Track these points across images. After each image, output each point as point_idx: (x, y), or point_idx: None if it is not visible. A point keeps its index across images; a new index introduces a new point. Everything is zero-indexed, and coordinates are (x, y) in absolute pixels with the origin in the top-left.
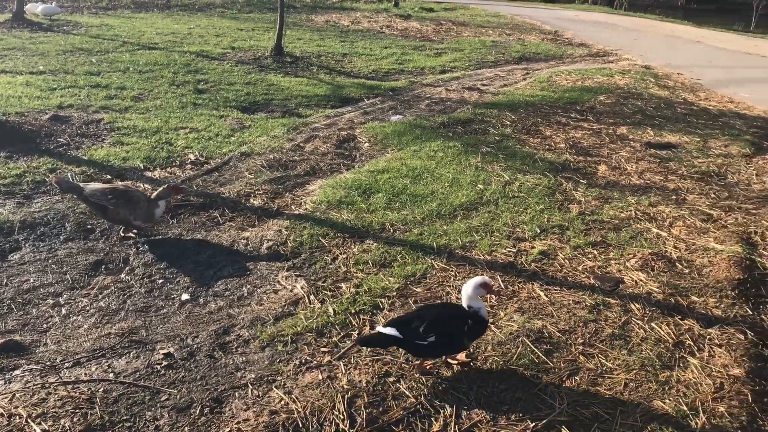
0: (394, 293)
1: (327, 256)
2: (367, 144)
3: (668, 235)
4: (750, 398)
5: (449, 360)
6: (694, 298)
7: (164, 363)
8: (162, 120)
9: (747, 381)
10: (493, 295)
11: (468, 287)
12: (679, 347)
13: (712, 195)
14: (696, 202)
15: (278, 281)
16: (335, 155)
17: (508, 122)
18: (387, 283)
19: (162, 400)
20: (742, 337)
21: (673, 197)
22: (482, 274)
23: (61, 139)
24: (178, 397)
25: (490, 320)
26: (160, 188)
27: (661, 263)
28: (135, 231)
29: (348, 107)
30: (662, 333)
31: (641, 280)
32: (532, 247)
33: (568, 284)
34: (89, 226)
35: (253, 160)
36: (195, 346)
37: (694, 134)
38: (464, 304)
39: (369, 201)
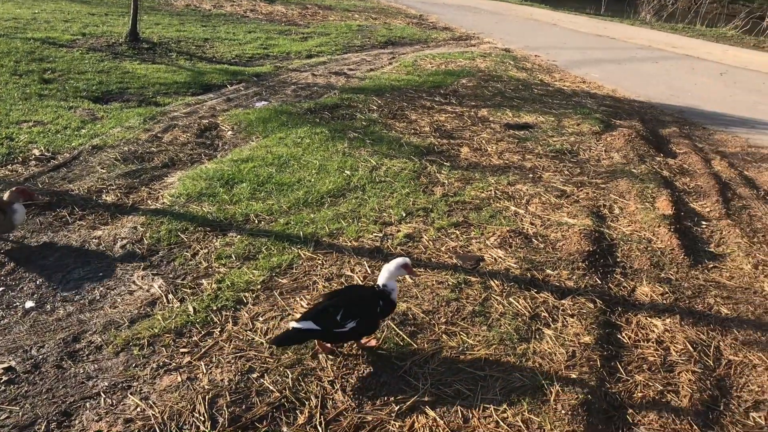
0: (259, 286)
1: (186, 252)
2: (230, 132)
3: (525, 212)
4: (599, 363)
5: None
6: (548, 271)
7: (4, 378)
8: (2, 113)
9: (596, 347)
10: (412, 276)
11: (391, 266)
12: (535, 320)
13: (566, 172)
14: (551, 179)
15: (134, 281)
16: (196, 145)
17: (374, 107)
18: (251, 276)
19: (1, 419)
20: (592, 305)
21: (530, 175)
22: (349, 261)
23: None
24: (20, 414)
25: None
26: (6, 192)
27: (519, 239)
28: None
29: (210, 94)
30: (520, 307)
31: (500, 257)
32: (398, 231)
33: (432, 265)
34: None
35: (105, 153)
36: (40, 357)
37: (549, 114)
38: (381, 282)
39: (232, 192)
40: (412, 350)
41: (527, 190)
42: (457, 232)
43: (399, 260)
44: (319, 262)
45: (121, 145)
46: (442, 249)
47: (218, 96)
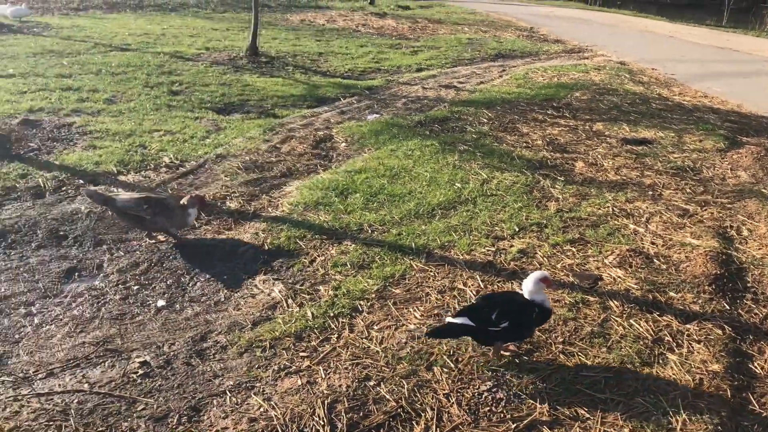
0: (373, 295)
1: (305, 258)
2: (344, 144)
3: (645, 231)
4: (729, 393)
5: (502, 351)
6: (672, 294)
7: (140, 372)
8: (136, 122)
9: (726, 377)
10: (552, 288)
11: (528, 282)
12: (658, 344)
13: (688, 190)
14: (672, 197)
15: (255, 285)
16: (312, 156)
17: (485, 120)
18: (366, 284)
19: (138, 409)
20: (720, 332)
21: (650, 193)
22: (461, 275)
23: (32, 144)
24: (154, 406)
25: None
26: (187, 197)
27: (639, 259)
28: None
29: (324, 107)
30: (641, 330)
31: (619, 277)
32: (511, 246)
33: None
34: (61, 233)
35: (228, 162)
36: (172, 353)
37: (669, 129)
38: (527, 297)
39: (346, 201)
40: (528, 368)
41: (647, 207)
42: (573, 249)
43: (536, 274)
44: (431, 273)
45: (243, 155)
46: (558, 266)
47: (332, 109)
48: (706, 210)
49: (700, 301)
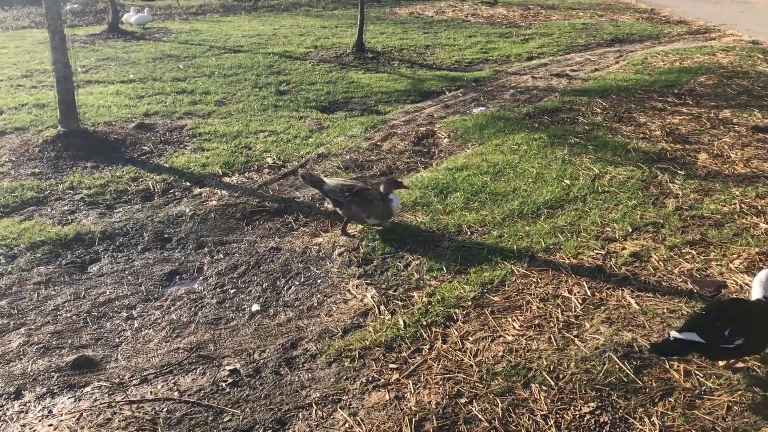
0: (469, 303)
1: (399, 262)
2: (446, 140)
3: None
4: None
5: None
6: None
7: (229, 380)
8: (243, 124)
9: None
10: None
11: (762, 276)
12: None
13: None
14: None
15: (349, 290)
16: (413, 153)
17: (598, 110)
18: (462, 291)
19: (225, 420)
20: None
21: None
22: (566, 281)
23: (145, 147)
24: (241, 417)
25: (574, 333)
26: (382, 185)
27: None
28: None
29: (428, 101)
30: None
31: (747, 284)
32: (623, 249)
33: (663, 290)
34: (166, 236)
35: (329, 161)
36: (262, 361)
37: None
38: (760, 295)
39: (446, 201)
40: (636, 388)
41: None
42: (693, 252)
43: None
44: (534, 279)
45: (344, 154)
46: (675, 271)
47: (436, 103)
48: None
49: None
